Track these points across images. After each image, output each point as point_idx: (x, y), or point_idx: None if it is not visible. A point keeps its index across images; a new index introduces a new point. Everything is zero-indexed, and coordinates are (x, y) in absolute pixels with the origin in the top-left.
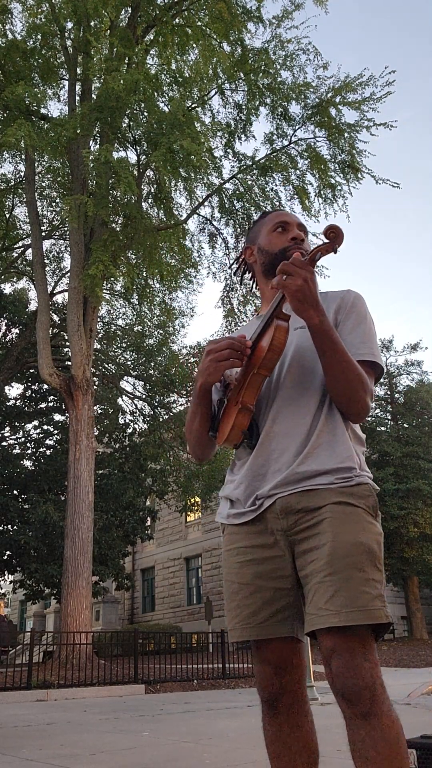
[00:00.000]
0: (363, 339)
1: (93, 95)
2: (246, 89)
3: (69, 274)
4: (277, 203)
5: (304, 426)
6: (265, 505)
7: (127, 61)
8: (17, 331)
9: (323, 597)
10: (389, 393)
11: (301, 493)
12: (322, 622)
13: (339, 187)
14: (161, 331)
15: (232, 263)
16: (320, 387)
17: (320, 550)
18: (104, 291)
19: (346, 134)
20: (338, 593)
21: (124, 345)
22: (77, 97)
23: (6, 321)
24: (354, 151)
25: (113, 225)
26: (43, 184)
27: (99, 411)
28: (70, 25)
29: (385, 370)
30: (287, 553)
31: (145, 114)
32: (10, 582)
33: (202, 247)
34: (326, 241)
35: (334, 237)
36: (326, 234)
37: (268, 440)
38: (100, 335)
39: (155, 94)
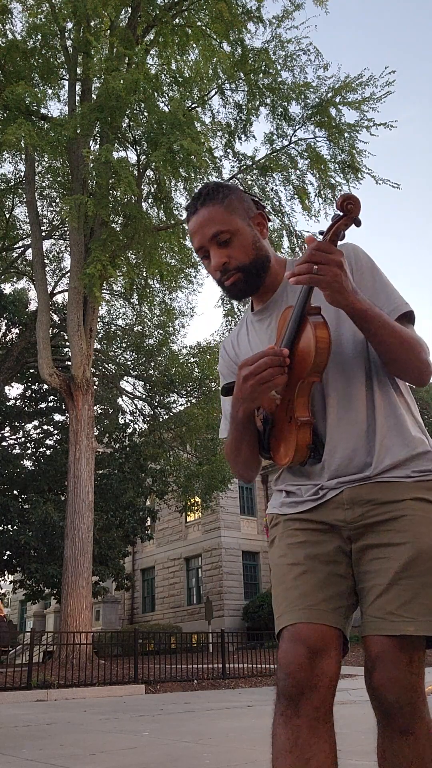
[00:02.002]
0: (387, 294)
1: (93, 95)
2: (246, 89)
3: (69, 274)
4: (277, 203)
5: (362, 421)
6: (329, 495)
7: (127, 61)
8: (17, 331)
9: (396, 600)
10: None
11: (374, 484)
12: (393, 629)
13: (339, 187)
14: (161, 331)
15: None
16: (363, 368)
17: (396, 549)
18: (104, 291)
19: (346, 134)
20: (417, 599)
21: (124, 345)
22: (77, 97)
23: (6, 321)
24: (354, 151)
25: (113, 225)
26: (43, 184)
27: (99, 411)
28: (70, 25)
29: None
30: (347, 544)
31: (145, 114)
32: (10, 582)
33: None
34: (342, 214)
35: (352, 207)
36: (343, 206)
37: (333, 449)
38: (100, 335)
39: (155, 94)
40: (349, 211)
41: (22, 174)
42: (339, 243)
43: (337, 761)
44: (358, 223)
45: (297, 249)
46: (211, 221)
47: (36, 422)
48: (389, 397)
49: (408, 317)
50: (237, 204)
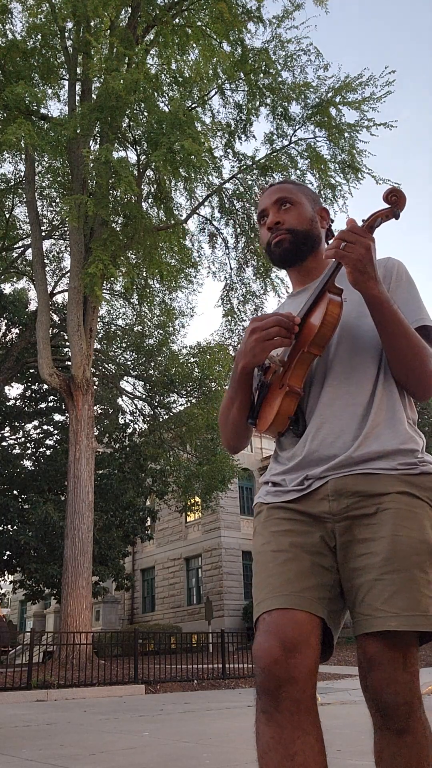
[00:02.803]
0: (417, 306)
1: (93, 95)
2: (246, 89)
3: (69, 274)
4: None
5: (359, 405)
6: (314, 486)
7: (127, 61)
8: (17, 331)
9: (380, 596)
10: None
11: (359, 475)
12: (377, 625)
13: (339, 187)
14: (161, 331)
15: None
16: (374, 361)
17: (377, 543)
18: (104, 291)
19: (346, 134)
20: (398, 594)
21: (124, 345)
22: (77, 97)
23: (6, 321)
24: (354, 151)
25: (113, 225)
26: (43, 184)
27: (99, 411)
28: (70, 25)
29: None
30: (331, 536)
31: (145, 114)
32: (10, 582)
33: (202, 247)
34: (387, 206)
35: (396, 200)
36: (388, 198)
37: (320, 424)
38: (100, 335)
39: (155, 94)
40: (392, 203)
41: (22, 174)
42: (389, 258)
43: (325, 752)
44: (397, 216)
45: None
46: (280, 190)
47: (36, 422)
48: (392, 394)
49: (425, 331)
50: (308, 191)
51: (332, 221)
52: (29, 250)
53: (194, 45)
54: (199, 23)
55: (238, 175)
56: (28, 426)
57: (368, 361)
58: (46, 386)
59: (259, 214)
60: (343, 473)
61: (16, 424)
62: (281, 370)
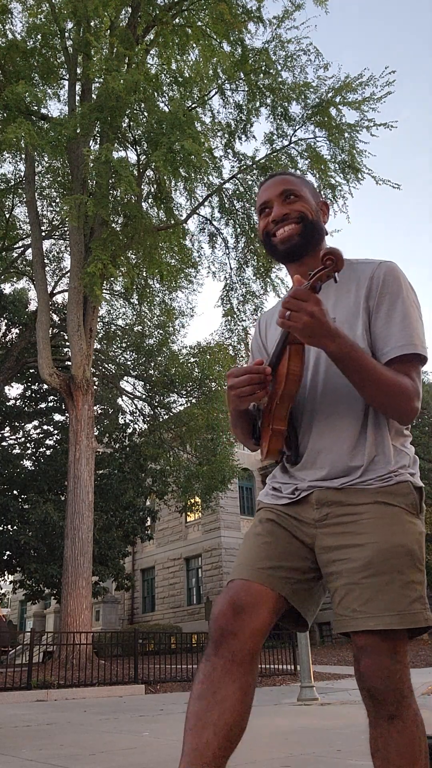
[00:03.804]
0: (401, 328)
1: (93, 95)
2: (246, 89)
3: (69, 274)
4: None
5: (346, 441)
6: (302, 495)
7: (127, 61)
8: (17, 331)
9: (359, 599)
10: None
11: (339, 489)
12: (358, 625)
13: (339, 188)
14: (161, 331)
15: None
16: (359, 395)
17: (356, 550)
18: (104, 291)
19: (346, 134)
20: (377, 596)
21: (124, 345)
22: (77, 97)
23: (6, 321)
24: (354, 152)
25: (113, 225)
26: (43, 184)
27: (99, 411)
28: (70, 25)
29: (427, 355)
30: (311, 542)
31: (145, 114)
32: (10, 582)
33: (202, 247)
34: (324, 267)
35: (332, 263)
36: (324, 260)
37: (313, 457)
38: (100, 335)
39: (155, 94)
40: (328, 266)
41: (22, 174)
42: (380, 264)
43: (247, 702)
44: (335, 279)
45: None
46: (284, 182)
47: (36, 422)
48: (380, 424)
49: (414, 359)
50: (309, 184)
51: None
52: (29, 250)
53: (194, 45)
54: (199, 23)
55: (238, 175)
56: (28, 426)
57: (354, 392)
58: (46, 386)
59: (260, 206)
60: (326, 486)
61: (16, 424)
62: (266, 409)
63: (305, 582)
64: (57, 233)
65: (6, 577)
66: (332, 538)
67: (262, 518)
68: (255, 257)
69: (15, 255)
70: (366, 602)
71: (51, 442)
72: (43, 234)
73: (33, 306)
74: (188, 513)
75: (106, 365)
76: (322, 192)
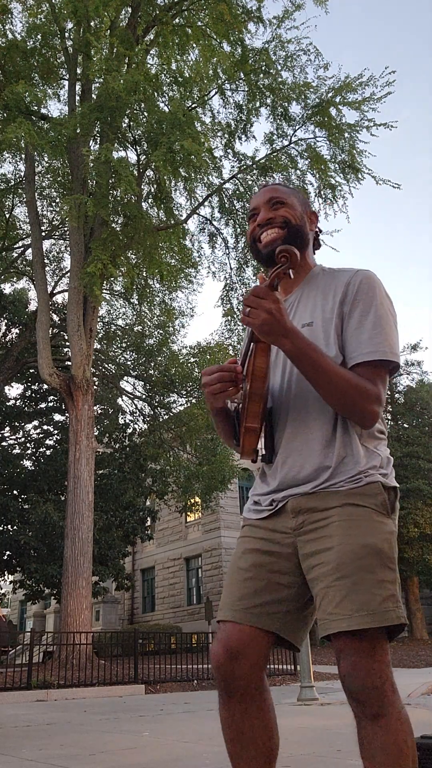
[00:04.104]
0: (370, 335)
1: (93, 95)
2: (246, 89)
3: (69, 274)
4: None
5: (316, 442)
6: (279, 506)
7: (127, 61)
8: (17, 331)
9: (333, 601)
10: (389, 393)
11: (311, 495)
12: (333, 627)
13: (339, 188)
14: (161, 331)
15: None
16: None
17: (327, 554)
18: (104, 291)
19: (346, 134)
20: (348, 597)
21: (124, 345)
22: (77, 97)
23: (6, 321)
24: (354, 152)
25: (113, 225)
26: (43, 184)
27: (99, 411)
28: (70, 25)
29: (399, 362)
30: (292, 551)
31: (145, 114)
32: (10, 582)
33: (202, 247)
34: (280, 264)
35: (286, 260)
36: (278, 258)
37: (285, 458)
38: (100, 335)
39: (155, 94)
40: (283, 263)
41: (22, 174)
42: (357, 272)
43: (270, 728)
44: (290, 276)
45: None
46: (272, 191)
47: (36, 422)
48: (350, 432)
49: (381, 366)
50: (299, 194)
51: (320, 231)
52: (29, 250)
53: (194, 45)
54: (199, 23)
55: (238, 175)
56: (28, 426)
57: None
58: (46, 386)
59: (250, 212)
60: (300, 494)
61: (16, 424)
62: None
63: (295, 609)
64: (57, 233)
65: (6, 577)
66: (309, 544)
67: (245, 549)
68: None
69: (15, 255)
70: (338, 604)
71: (51, 442)
72: (43, 234)
73: (33, 306)
74: (188, 513)
75: (106, 365)
76: (322, 192)
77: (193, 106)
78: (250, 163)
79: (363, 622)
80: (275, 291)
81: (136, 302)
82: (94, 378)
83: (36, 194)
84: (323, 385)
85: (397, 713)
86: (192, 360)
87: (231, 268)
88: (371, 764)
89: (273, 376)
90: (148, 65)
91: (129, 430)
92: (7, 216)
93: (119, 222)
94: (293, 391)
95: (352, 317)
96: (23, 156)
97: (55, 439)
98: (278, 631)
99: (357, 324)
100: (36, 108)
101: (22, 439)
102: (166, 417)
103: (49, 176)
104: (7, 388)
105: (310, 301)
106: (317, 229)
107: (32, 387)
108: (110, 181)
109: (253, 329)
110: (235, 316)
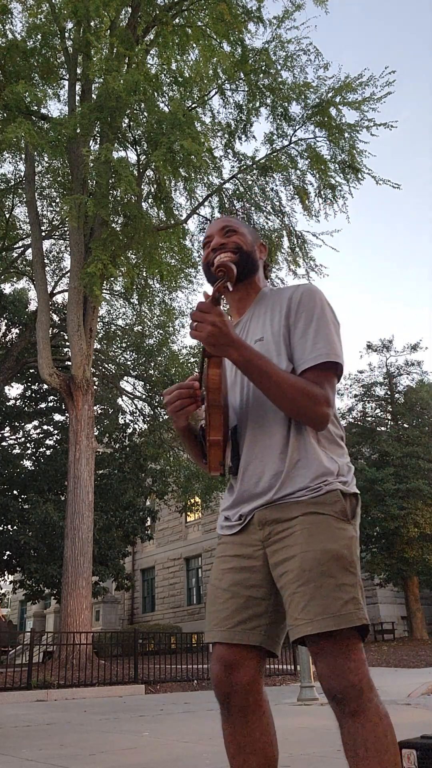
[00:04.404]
0: (314, 341)
1: (93, 95)
2: (246, 89)
3: (69, 274)
4: (278, 203)
5: (275, 447)
6: (247, 520)
7: (127, 61)
8: (17, 331)
9: (297, 607)
10: (389, 393)
11: (275, 507)
12: (298, 632)
13: (339, 188)
14: (161, 331)
15: None
16: None
17: (291, 562)
18: (104, 291)
19: (346, 134)
20: (311, 602)
21: (124, 345)
22: (77, 97)
23: (6, 321)
24: (354, 152)
25: (113, 225)
26: (43, 184)
27: (99, 411)
28: (70, 25)
29: (343, 364)
30: (263, 562)
31: (145, 114)
32: (10, 582)
33: (203, 247)
34: (220, 279)
35: (223, 274)
36: (215, 273)
37: (247, 466)
38: (100, 335)
39: (155, 94)
40: (221, 278)
41: (22, 174)
42: (298, 286)
43: (271, 740)
44: (229, 289)
45: (297, 249)
46: (226, 221)
47: (36, 422)
48: (305, 436)
49: (328, 368)
50: (249, 227)
51: (270, 261)
52: (29, 250)
53: (194, 45)
54: (199, 23)
55: (238, 175)
56: (28, 426)
57: None
58: (46, 386)
59: (204, 240)
60: (264, 507)
61: (16, 424)
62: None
63: (276, 619)
64: (57, 233)
65: (6, 577)
66: (276, 554)
67: (223, 569)
68: None
69: (15, 255)
70: (303, 609)
71: (51, 442)
72: (43, 234)
73: (33, 306)
74: (188, 513)
75: (106, 365)
76: (322, 192)
77: (193, 106)
78: (250, 163)
79: (326, 625)
80: (218, 305)
81: (136, 302)
82: (94, 378)
83: (36, 194)
84: (273, 391)
85: (375, 709)
86: (192, 360)
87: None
88: (354, 761)
89: (233, 393)
90: (148, 65)
91: (129, 430)
92: (7, 216)
93: (119, 222)
94: (252, 403)
95: (297, 327)
96: (23, 156)
97: (55, 439)
98: (263, 644)
99: (302, 333)
100: (36, 108)
101: (22, 439)
102: (166, 417)
103: (49, 176)
104: (7, 388)
105: (260, 319)
106: (266, 259)
107: (32, 387)
108: (110, 181)
109: (201, 342)
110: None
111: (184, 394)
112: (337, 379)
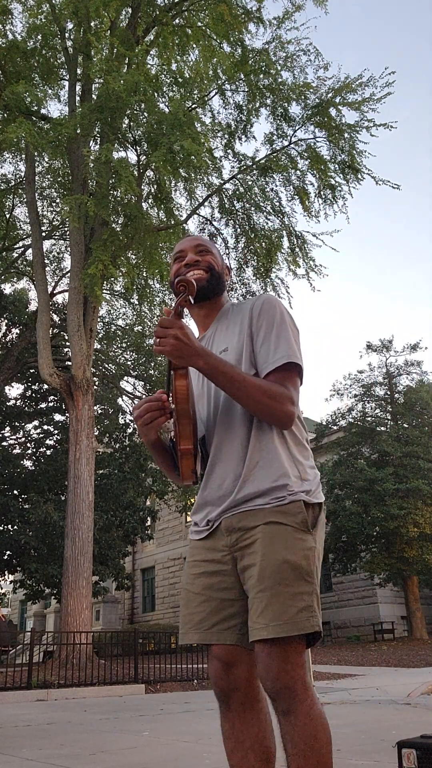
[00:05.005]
0: (275, 345)
1: (93, 95)
2: (246, 90)
3: (69, 274)
4: (278, 203)
5: (238, 451)
6: (214, 525)
7: (127, 62)
8: (17, 331)
9: (256, 612)
10: (389, 393)
11: (240, 513)
12: (254, 635)
13: (339, 188)
14: None
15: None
16: (248, 412)
17: (253, 569)
18: (104, 291)
19: (346, 135)
20: (267, 608)
21: (124, 345)
22: (77, 97)
23: (6, 321)
24: (354, 152)
25: (113, 225)
26: (44, 184)
27: (99, 411)
28: (70, 25)
29: (302, 365)
30: (233, 567)
31: (146, 114)
32: (10, 582)
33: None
34: (181, 294)
35: (184, 289)
36: (177, 288)
37: (212, 470)
38: (100, 335)
39: (155, 94)
40: (182, 292)
41: (22, 174)
42: (258, 297)
43: (268, 737)
44: (191, 302)
45: (297, 249)
46: (198, 239)
47: (36, 422)
48: (266, 437)
49: (289, 368)
50: (217, 249)
51: (232, 283)
52: (29, 251)
53: (194, 46)
54: (199, 24)
55: (238, 176)
56: (28, 426)
57: (243, 409)
58: (46, 386)
59: (175, 254)
60: (231, 513)
61: (17, 424)
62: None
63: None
64: (57, 233)
65: (6, 576)
66: (242, 560)
67: (194, 573)
68: (255, 258)
69: (15, 255)
70: (260, 614)
71: (51, 442)
72: (44, 234)
73: (33, 306)
74: (188, 513)
75: (106, 365)
76: (322, 192)
77: (193, 106)
78: (250, 164)
79: (279, 631)
80: (181, 318)
81: (136, 302)
82: (94, 378)
83: (36, 194)
84: (239, 394)
85: (306, 710)
86: None
87: (231, 269)
88: (286, 756)
89: (200, 404)
90: (148, 66)
91: (129, 430)
92: (8, 216)
93: (119, 222)
94: (219, 412)
95: (259, 335)
96: (23, 156)
97: (55, 439)
98: (239, 643)
99: (263, 340)
100: (36, 108)
101: (23, 439)
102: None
103: (49, 176)
104: (7, 388)
105: (223, 331)
106: (230, 280)
107: (32, 387)
108: (110, 182)
109: (166, 356)
110: None
111: (153, 407)
112: (300, 382)
